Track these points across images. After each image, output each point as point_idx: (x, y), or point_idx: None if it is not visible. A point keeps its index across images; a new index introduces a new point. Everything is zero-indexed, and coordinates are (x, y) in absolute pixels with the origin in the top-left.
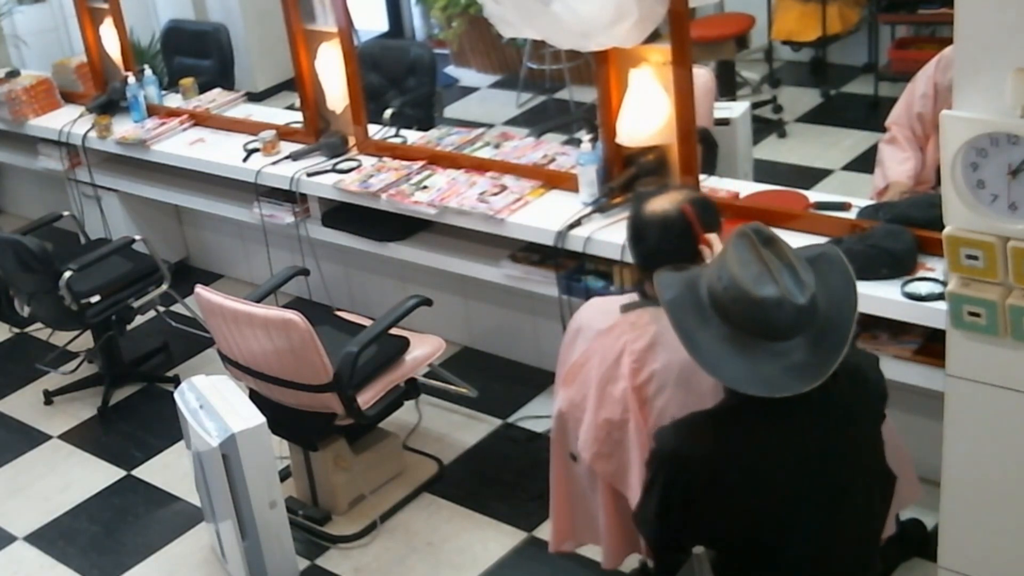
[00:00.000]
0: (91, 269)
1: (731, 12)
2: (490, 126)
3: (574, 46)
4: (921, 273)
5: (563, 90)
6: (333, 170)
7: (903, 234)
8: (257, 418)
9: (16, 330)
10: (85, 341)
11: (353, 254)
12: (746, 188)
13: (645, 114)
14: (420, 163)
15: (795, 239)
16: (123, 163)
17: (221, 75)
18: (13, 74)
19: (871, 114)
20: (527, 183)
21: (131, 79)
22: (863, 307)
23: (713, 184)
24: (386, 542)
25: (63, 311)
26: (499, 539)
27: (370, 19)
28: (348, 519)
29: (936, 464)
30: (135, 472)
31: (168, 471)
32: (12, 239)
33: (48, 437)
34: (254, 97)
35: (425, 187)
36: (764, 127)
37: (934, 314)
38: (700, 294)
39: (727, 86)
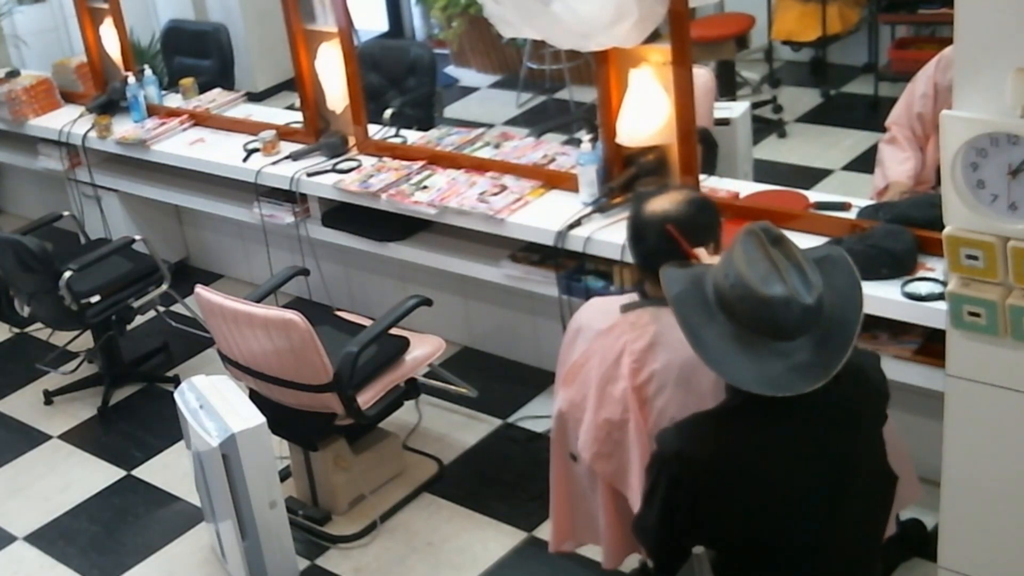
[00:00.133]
0: (91, 269)
1: (731, 12)
2: (490, 126)
3: (574, 46)
4: (921, 273)
5: (563, 90)
6: (333, 170)
7: (903, 234)
8: (257, 418)
9: (16, 330)
10: (85, 341)
11: (353, 254)
12: (746, 188)
13: (645, 114)
14: (420, 163)
15: (795, 239)
16: (123, 163)
17: (221, 75)
18: (13, 74)
19: (871, 114)
20: (527, 183)
21: (131, 79)
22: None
23: (713, 184)
24: (386, 542)
25: (63, 311)
26: (499, 539)
27: (370, 19)
28: (348, 519)
29: (936, 464)
30: (135, 472)
31: (168, 471)
32: (12, 239)
33: (48, 437)
34: (254, 97)
35: (425, 187)
36: (764, 127)
37: (934, 314)
38: (706, 291)
39: (727, 86)
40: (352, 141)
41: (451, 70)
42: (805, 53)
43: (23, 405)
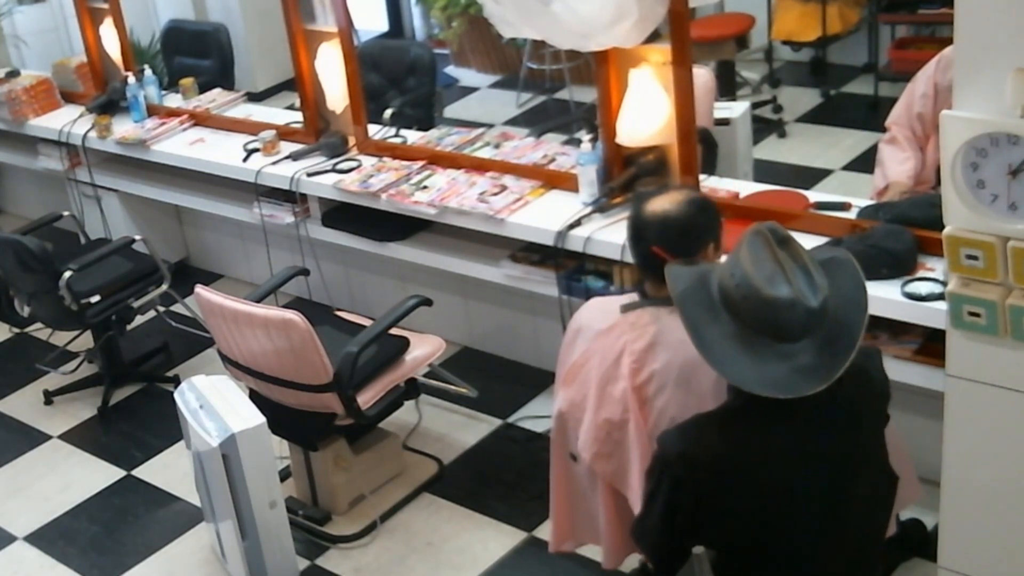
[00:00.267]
0: (91, 269)
1: (731, 12)
2: (490, 126)
3: (574, 46)
4: (921, 273)
5: (563, 90)
6: (333, 170)
7: (903, 234)
8: (257, 418)
9: (16, 330)
10: (85, 341)
11: (353, 254)
12: (746, 188)
13: (645, 114)
14: (420, 163)
15: (796, 239)
16: (123, 163)
17: (221, 75)
18: (13, 74)
19: (871, 114)
20: (527, 183)
21: (131, 79)
22: None
23: (713, 184)
24: (386, 542)
25: (63, 311)
26: (499, 539)
27: (370, 19)
28: (348, 519)
29: (936, 464)
30: (135, 472)
31: (168, 471)
32: (12, 239)
33: (48, 437)
34: (254, 97)
35: (425, 187)
36: (764, 127)
37: (934, 314)
38: (711, 289)
39: (727, 86)
40: (352, 141)
41: (451, 70)
42: (805, 53)
43: (23, 405)
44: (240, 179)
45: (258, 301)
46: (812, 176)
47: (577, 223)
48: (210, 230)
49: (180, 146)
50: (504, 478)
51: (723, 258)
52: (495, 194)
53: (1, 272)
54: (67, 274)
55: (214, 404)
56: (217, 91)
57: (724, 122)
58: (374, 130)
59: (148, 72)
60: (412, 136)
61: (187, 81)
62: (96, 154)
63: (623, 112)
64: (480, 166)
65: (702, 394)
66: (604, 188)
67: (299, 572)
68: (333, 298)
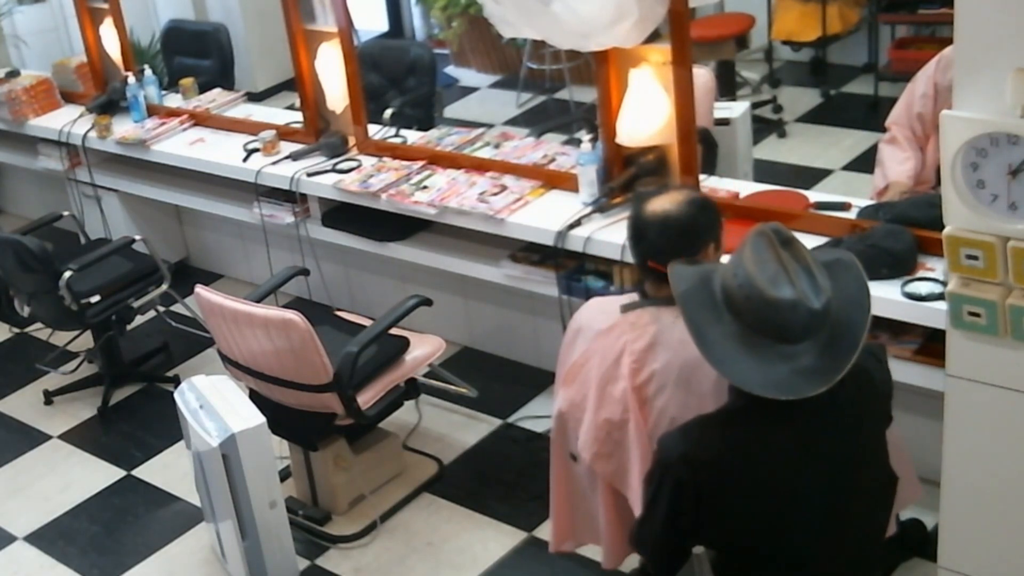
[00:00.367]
0: (91, 269)
1: (731, 12)
2: (490, 126)
3: (574, 46)
4: (921, 273)
5: (563, 90)
6: (333, 170)
7: (903, 234)
8: (257, 418)
9: (16, 330)
10: (85, 341)
11: (353, 254)
12: (746, 188)
13: (645, 114)
14: (420, 163)
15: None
16: (123, 163)
17: (221, 75)
18: (13, 74)
19: (871, 114)
20: (527, 183)
21: (131, 79)
22: None
23: (713, 184)
24: (386, 542)
25: (63, 311)
26: (499, 539)
27: (370, 19)
28: (348, 519)
29: (936, 464)
30: (135, 472)
31: (168, 471)
32: (12, 239)
33: (48, 437)
34: (254, 97)
35: (425, 187)
36: (764, 127)
37: (934, 314)
38: (714, 289)
39: (727, 86)
40: (352, 141)
41: (451, 70)
42: (805, 53)
43: (23, 405)
44: (240, 179)
45: (258, 301)
46: (812, 176)
47: (577, 223)
48: (210, 230)
49: (180, 146)
50: (504, 478)
51: (724, 258)
52: (495, 194)
53: (1, 272)
54: (67, 274)
55: (214, 404)
56: (217, 91)
57: (724, 122)
58: (374, 130)
59: (148, 72)
60: (412, 136)
61: (187, 81)
62: (96, 154)
63: (623, 112)
64: (480, 166)
65: (702, 394)
66: (604, 188)
67: (299, 572)
68: (333, 298)
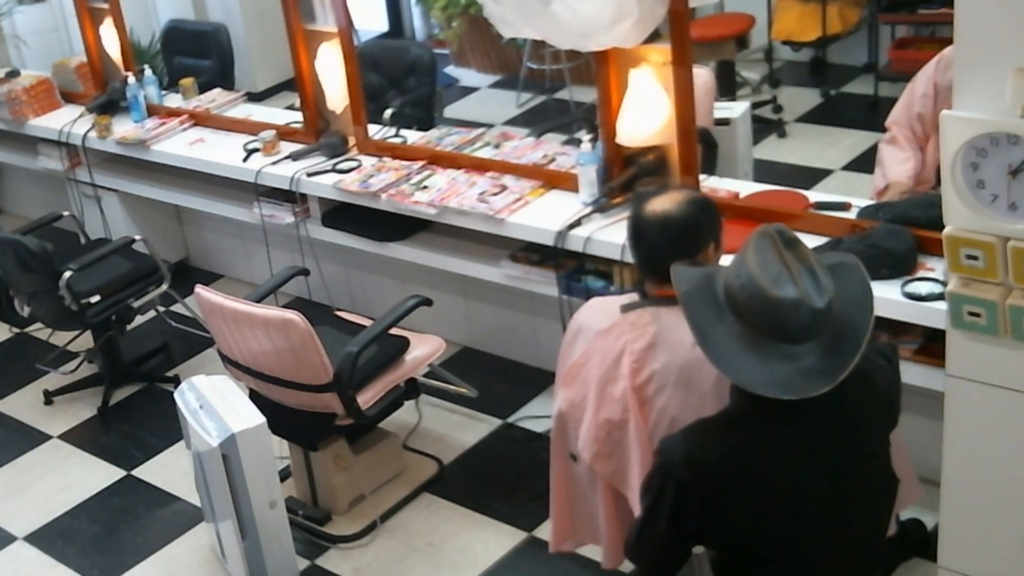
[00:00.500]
0: (91, 269)
1: (731, 12)
2: (490, 126)
3: (574, 46)
4: (921, 273)
5: (563, 90)
6: (333, 170)
7: (903, 234)
8: (257, 418)
9: (16, 330)
10: (85, 341)
11: (353, 254)
12: (746, 188)
13: (645, 114)
14: (420, 163)
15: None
16: (123, 163)
17: (221, 75)
18: (13, 74)
19: (871, 114)
20: (527, 183)
21: (131, 79)
22: None
23: (713, 184)
24: (386, 542)
25: (63, 311)
26: (499, 539)
27: (370, 19)
28: (348, 519)
29: (936, 464)
30: (135, 472)
31: (168, 471)
32: (12, 239)
33: (48, 437)
34: (254, 97)
35: (425, 187)
36: (764, 127)
37: (934, 314)
38: (716, 290)
39: (727, 86)
40: (352, 141)
41: (451, 70)
42: (805, 53)
43: (23, 405)
44: (240, 179)
45: (258, 301)
46: (812, 176)
47: (577, 223)
48: (210, 230)
49: (180, 146)
50: (504, 478)
51: (723, 258)
52: (495, 194)
53: (1, 272)
54: (67, 274)
55: (214, 404)
56: (217, 91)
57: (724, 122)
58: (374, 130)
59: (148, 72)
60: (412, 136)
61: (187, 81)
62: (96, 154)
63: (623, 112)
64: (480, 166)
65: (702, 394)
66: (604, 188)
67: (299, 572)
68: (333, 298)
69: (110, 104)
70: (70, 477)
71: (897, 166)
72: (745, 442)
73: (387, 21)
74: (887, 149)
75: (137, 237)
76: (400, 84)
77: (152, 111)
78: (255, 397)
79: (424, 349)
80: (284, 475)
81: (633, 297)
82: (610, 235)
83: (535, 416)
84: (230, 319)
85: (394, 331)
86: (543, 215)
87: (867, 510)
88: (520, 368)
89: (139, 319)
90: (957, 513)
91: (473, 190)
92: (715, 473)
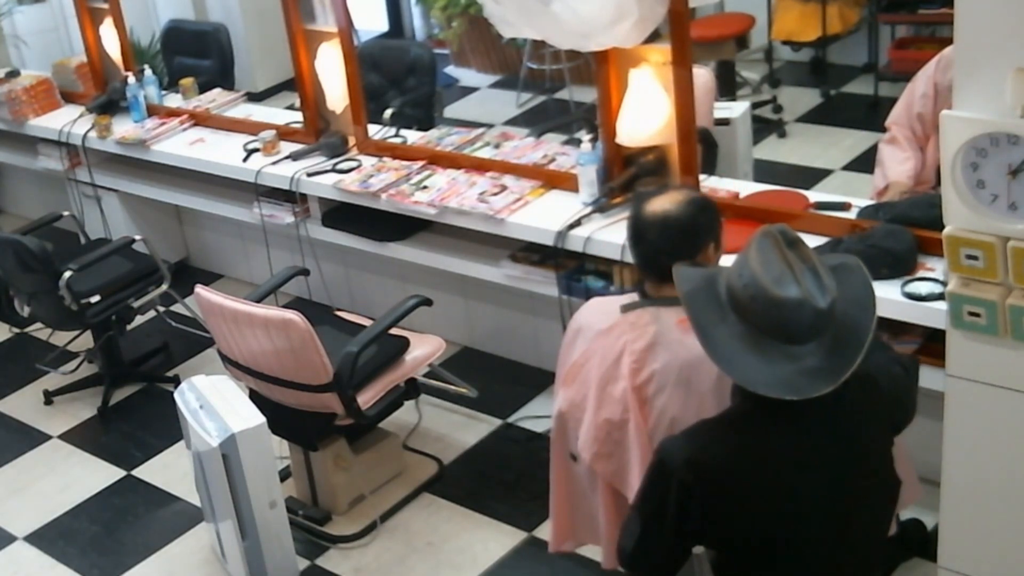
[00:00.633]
0: (91, 269)
1: (731, 12)
2: (490, 126)
3: (574, 46)
4: (921, 273)
5: (563, 90)
6: (333, 170)
7: (903, 234)
8: (257, 418)
9: (16, 330)
10: (85, 341)
11: (353, 254)
12: (746, 188)
13: (645, 114)
14: (420, 163)
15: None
16: (123, 163)
17: (221, 75)
18: (13, 74)
19: (871, 114)
20: (527, 183)
21: (131, 79)
22: None
23: (713, 184)
24: (386, 542)
25: (63, 311)
26: (499, 539)
27: (370, 19)
28: (348, 519)
29: (936, 464)
30: (135, 472)
31: (168, 471)
32: (12, 239)
33: (48, 437)
34: (254, 97)
35: (425, 187)
36: (764, 127)
37: (934, 314)
38: (719, 290)
39: (727, 86)
40: (352, 141)
41: (451, 70)
42: (805, 53)
43: (23, 405)
44: (240, 179)
45: (258, 301)
46: (812, 176)
47: (577, 223)
48: (210, 230)
49: (180, 146)
50: (504, 478)
51: (723, 258)
52: (495, 194)
53: (1, 272)
54: (67, 274)
55: (214, 404)
56: (217, 91)
57: (724, 122)
58: (374, 130)
59: (148, 72)
60: (412, 136)
61: (187, 81)
62: (96, 154)
63: (623, 112)
64: (480, 166)
65: (702, 394)
66: (604, 188)
67: (299, 572)
68: (333, 298)
69: (110, 104)
70: (70, 477)
71: (897, 166)
72: (747, 443)
73: (387, 21)
74: (887, 149)
75: (137, 237)
76: (400, 84)
77: (152, 111)
78: (255, 397)
79: (424, 349)
80: (284, 475)
81: (633, 297)
82: (610, 235)
83: (535, 416)
84: (230, 319)
85: (394, 331)
86: (543, 215)
87: (868, 511)
88: (520, 368)
89: (139, 319)
90: (957, 513)
91: (473, 190)
92: (716, 474)
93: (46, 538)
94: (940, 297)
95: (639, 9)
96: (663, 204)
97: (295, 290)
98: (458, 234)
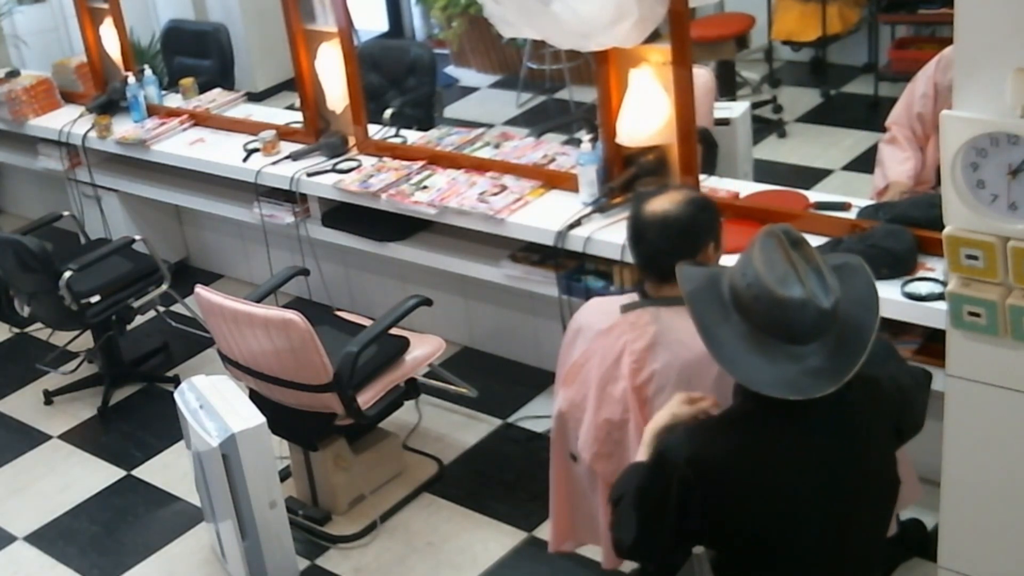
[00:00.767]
0: (91, 269)
1: (731, 12)
2: (490, 126)
3: (574, 46)
4: (921, 273)
5: (563, 90)
6: (333, 170)
7: (903, 234)
8: (257, 418)
9: (16, 330)
10: (85, 341)
11: (353, 254)
12: (746, 188)
13: (645, 114)
14: (420, 163)
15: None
16: (123, 163)
17: (221, 75)
18: (13, 74)
19: (871, 114)
20: (527, 183)
21: (131, 79)
22: None
23: (713, 184)
24: (386, 542)
25: (63, 311)
26: (499, 539)
27: (370, 19)
28: (348, 519)
29: (936, 464)
30: (135, 472)
31: (168, 471)
32: (12, 239)
33: (48, 437)
34: (254, 97)
35: (425, 187)
36: (764, 127)
37: (934, 314)
38: (722, 289)
39: (727, 86)
40: (352, 141)
41: (451, 70)
42: (805, 53)
43: (23, 405)
44: (240, 179)
45: (258, 301)
46: (812, 176)
47: (577, 223)
48: (210, 230)
49: (180, 146)
50: (504, 478)
51: (723, 258)
52: (495, 194)
53: (1, 272)
54: (67, 274)
55: (214, 404)
56: (217, 91)
57: (724, 122)
58: (374, 130)
59: (148, 72)
60: (412, 136)
61: (187, 81)
62: (96, 154)
63: (623, 112)
64: (480, 166)
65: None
66: (604, 188)
67: (299, 572)
68: (333, 298)
69: (110, 104)
70: (70, 477)
71: (897, 166)
72: (748, 442)
73: (387, 21)
74: (887, 149)
75: (137, 237)
76: (400, 84)
77: (152, 111)
78: (255, 397)
79: (424, 349)
80: (284, 475)
81: (633, 297)
82: (610, 235)
83: (535, 416)
84: (230, 319)
85: (394, 331)
86: (543, 215)
87: (868, 512)
88: (520, 368)
89: (139, 319)
90: (957, 513)
91: (473, 190)
92: (717, 473)
93: (46, 538)
94: (940, 297)
95: (639, 9)
96: (663, 204)
97: (295, 290)
98: (458, 234)
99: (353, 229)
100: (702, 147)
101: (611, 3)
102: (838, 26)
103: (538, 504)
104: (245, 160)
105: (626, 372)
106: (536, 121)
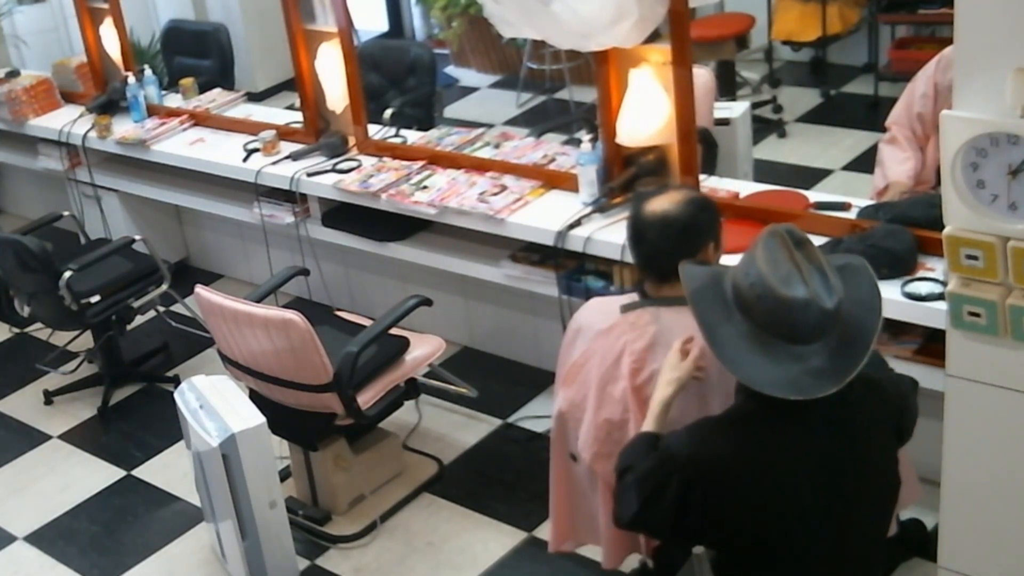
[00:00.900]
0: (91, 269)
1: (731, 12)
2: (490, 126)
3: (574, 46)
4: (921, 273)
5: (563, 90)
6: (333, 170)
7: (903, 234)
8: (257, 418)
9: (16, 330)
10: (85, 341)
11: (353, 254)
12: (746, 188)
13: (645, 114)
14: (420, 163)
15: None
16: (123, 163)
17: (221, 75)
18: (13, 74)
19: (871, 114)
20: (527, 183)
21: (131, 79)
22: None
23: (713, 184)
24: (386, 542)
25: (63, 311)
26: (499, 539)
27: (370, 19)
28: (348, 519)
29: (936, 464)
30: (135, 472)
31: (168, 471)
32: (12, 239)
33: (48, 437)
34: (254, 97)
35: (425, 187)
36: (764, 127)
37: (934, 314)
38: (724, 289)
39: (727, 86)
40: (352, 141)
41: (451, 70)
42: (805, 53)
43: (23, 405)
44: (240, 179)
45: (258, 301)
46: (812, 176)
47: (577, 223)
48: (210, 230)
49: (180, 146)
50: (504, 478)
51: (723, 258)
52: (495, 194)
53: (1, 272)
54: (67, 274)
55: (214, 404)
56: (217, 91)
57: (724, 122)
58: (374, 130)
59: (148, 72)
60: (412, 136)
61: (187, 81)
62: (96, 154)
63: (623, 112)
64: (480, 166)
65: (702, 395)
66: (604, 188)
67: (299, 572)
68: (333, 298)
69: (110, 104)
70: (70, 477)
71: (897, 166)
72: (749, 442)
73: (387, 21)
74: (887, 149)
75: (137, 237)
76: (400, 84)
77: (152, 111)
78: (255, 397)
79: (424, 349)
80: (284, 475)
81: (633, 297)
82: (610, 235)
83: (535, 416)
84: (230, 319)
85: (394, 331)
86: (543, 215)
87: (869, 512)
88: (520, 368)
89: (139, 319)
90: (957, 513)
91: (473, 190)
92: (718, 472)
93: (46, 538)
94: (940, 297)
95: (639, 9)
96: (663, 204)
97: (295, 290)
98: (458, 234)
99: (353, 229)
100: (702, 147)
101: (611, 3)
102: (838, 26)
103: (538, 504)
104: (245, 160)
105: (626, 372)
106: (536, 121)
